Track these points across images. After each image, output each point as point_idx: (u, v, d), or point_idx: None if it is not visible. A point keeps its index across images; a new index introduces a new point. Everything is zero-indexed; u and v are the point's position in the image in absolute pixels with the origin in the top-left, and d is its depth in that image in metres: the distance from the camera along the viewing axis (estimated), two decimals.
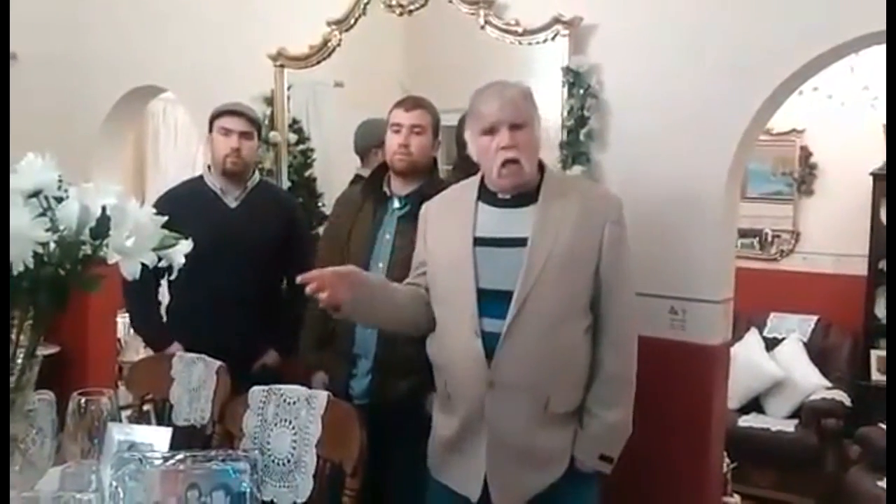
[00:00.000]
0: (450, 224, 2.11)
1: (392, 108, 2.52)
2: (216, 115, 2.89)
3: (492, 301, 1.98)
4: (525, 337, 1.96)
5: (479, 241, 2.03)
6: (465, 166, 2.49)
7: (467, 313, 1.99)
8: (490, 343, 1.96)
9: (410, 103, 2.50)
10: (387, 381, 2.43)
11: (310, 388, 2.14)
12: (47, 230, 1.44)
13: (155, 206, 2.77)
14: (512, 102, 2.01)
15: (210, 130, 2.91)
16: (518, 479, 2.02)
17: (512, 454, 2.00)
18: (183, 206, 2.78)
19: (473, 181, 2.15)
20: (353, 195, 2.68)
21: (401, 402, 2.40)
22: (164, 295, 3.03)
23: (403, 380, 2.40)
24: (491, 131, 2.01)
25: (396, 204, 2.51)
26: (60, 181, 1.51)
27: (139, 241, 1.47)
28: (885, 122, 4.64)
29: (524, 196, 2.05)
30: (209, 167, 2.98)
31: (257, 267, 2.86)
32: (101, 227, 1.45)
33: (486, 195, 2.09)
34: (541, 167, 2.11)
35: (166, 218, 1.58)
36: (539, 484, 2.02)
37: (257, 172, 3.07)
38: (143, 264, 1.54)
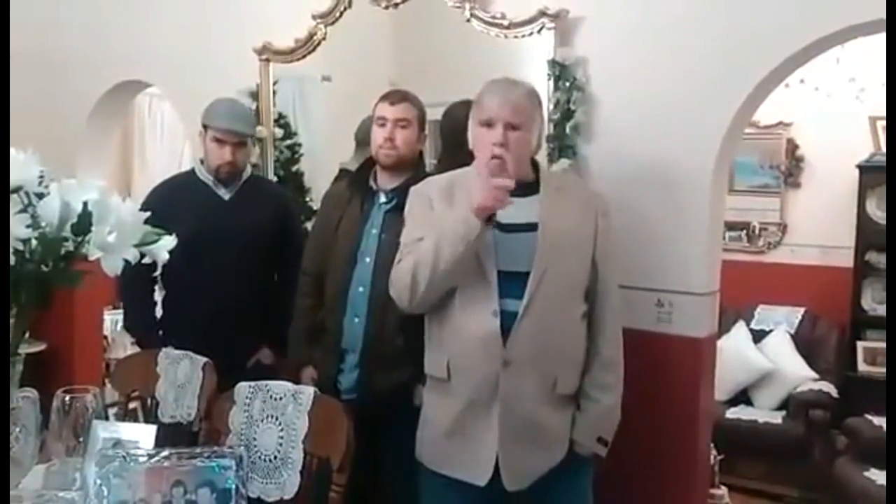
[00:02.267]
0: (460, 208, 2.10)
1: (378, 102, 2.51)
2: (209, 123, 2.83)
3: (506, 281, 2.04)
4: (539, 316, 2.03)
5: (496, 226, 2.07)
6: (450, 160, 2.49)
7: (487, 294, 2.03)
8: (506, 321, 2.02)
9: (396, 97, 2.49)
10: (374, 376, 2.42)
11: (298, 383, 2.13)
12: (28, 227, 1.43)
13: (148, 198, 2.81)
14: (513, 102, 2.07)
15: (203, 128, 2.86)
16: (527, 460, 2.06)
17: (523, 433, 2.04)
18: (176, 198, 2.78)
19: (471, 171, 2.16)
20: (340, 190, 2.67)
21: (389, 396, 2.40)
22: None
23: (390, 373, 2.40)
24: (488, 124, 2.07)
25: (383, 199, 2.51)
26: (42, 177, 1.50)
27: (121, 237, 1.46)
28: (871, 114, 4.66)
29: (526, 186, 2.12)
30: (201, 161, 2.94)
31: (251, 260, 2.85)
32: (83, 224, 1.44)
33: None
34: (535, 165, 2.20)
35: (149, 213, 1.57)
36: (544, 465, 2.07)
37: (249, 166, 3.05)
38: (140, 264, 1.54)
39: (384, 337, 2.40)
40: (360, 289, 2.47)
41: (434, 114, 2.60)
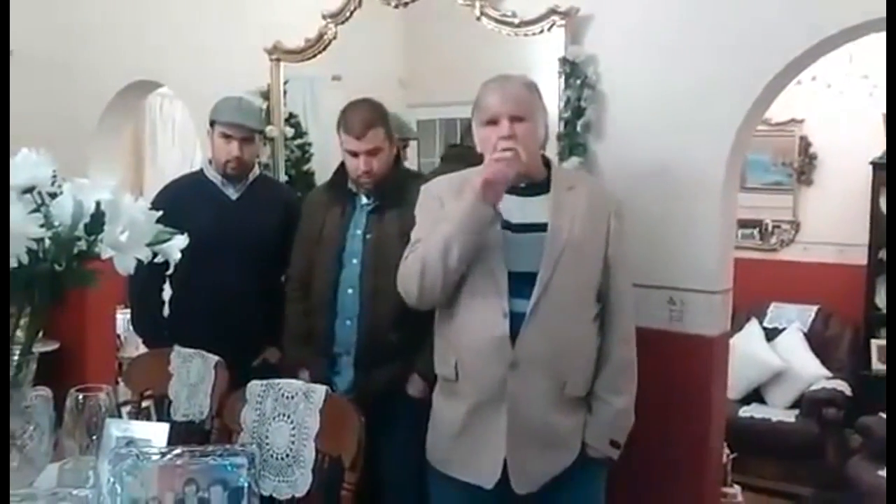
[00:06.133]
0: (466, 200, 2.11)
1: (340, 130, 2.48)
2: (217, 119, 2.85)
3: (515, 282, 2.03)
4: (547, 317, 2.01)
5: (503, 226, 2.07)
6: (456, 157, 2.49)
7: (497, 295, 2.02)
8: (514, 322, 2.01)
9: (359, 128, 2.43)
10: (369, 374, 2.44)
11: None
12: (41, 226, 1.43)
13: (156, 198, 2.82)
14: (513, 95, 2.07)
15: (211, 126, 2.88)
16: (536, 462, 2.04)
17: (531, 435, 2.03)
18: (184, 198, 2.79)
19: (480, 171, 2.15)
20: (319, 196, 2.68)
21: (384, 391, 2.41)
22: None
23: (385, 370, 2.42)
24: (492, 122, 2.07)
25: (365, 200, 2.51)
26: (55, 177, 1.50)
27: (134, 237, 1.47)
28: (884, 111, 4.63)
29: (537, 185, 2.12)
30: (210, 161, 2.96)
31: (258, 260, 2.85)
32: (96, 223, 1.45)
33: None
34: (547, 163, 2.19)
35: (161, 213, 1.57)
36: (554, 468, 2.06)
37: (257, 165, 3.06)
38: (149, 264, 1.54)
39: (378, 336, 2.41)
40: (350, 291, 2.48)
41: (444, 113, 2.59)
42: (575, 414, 2.09)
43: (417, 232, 2.17)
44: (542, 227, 2.06)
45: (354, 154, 2.45)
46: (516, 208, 2.08)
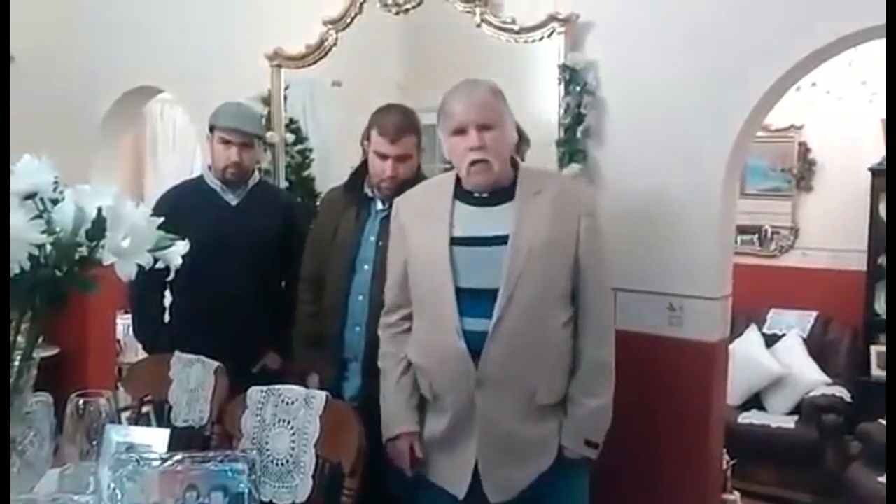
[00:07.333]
0: (427, 224, 2.10)
1: (374, 130, 2.43)
2: (216, 124, 2.86)
3: (474, 300, 1.99)
4: (511, 334, 1.97)
5: (457, 241, 2.03)
6: None
7: (447, 314, 1.99)
8: (475, 342, 1.97)
9: (393, 131, 2.40)
10: (377, 383, 2.42)
11: (306, 388, 2.14)
12: (43, 232, 1.44)
13: (157, 204, 2.82)
14: (480, 103, 2.02)
15: (210, 131, 2.89)
16: (509, 472, 2.03)
17: (502, 448, 2.02)
18: (185, 204, 2.80)
19: (447, 178, 2.15)
20: (336, 198, 2.67)
21: None
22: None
23: None
24: (460, 132, 2.03)
25: (380, 206, 2.50)
26: (56, 183, 1.51)
27: (135, 243, 1.47)
28: (883, 117, 4.64)
29: (501, 193, 2.06)
30: (209, 166, 2.97)
31: (258, 265, 2.86)
32: (97, 229, 1.45)
33: (462, 194, 2.09)
34: (514, 164, 2.13)
35: (163, 219, 1.58)
36: (529, 475, 2.04)
37: (257, 171, 3.06)
38: (150, 269, 1.54)
39: None
40: (360, 297, 2.47)
41: None
42: (546, 421, 2.05)
43: (389, 265, 2.21)
44: (501, 240, 2.00)
45: (384, 157, 2.42)
46: (475, 220, 2.05)
